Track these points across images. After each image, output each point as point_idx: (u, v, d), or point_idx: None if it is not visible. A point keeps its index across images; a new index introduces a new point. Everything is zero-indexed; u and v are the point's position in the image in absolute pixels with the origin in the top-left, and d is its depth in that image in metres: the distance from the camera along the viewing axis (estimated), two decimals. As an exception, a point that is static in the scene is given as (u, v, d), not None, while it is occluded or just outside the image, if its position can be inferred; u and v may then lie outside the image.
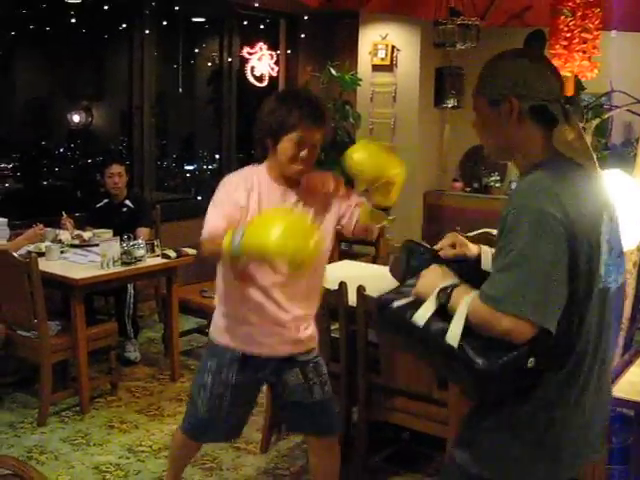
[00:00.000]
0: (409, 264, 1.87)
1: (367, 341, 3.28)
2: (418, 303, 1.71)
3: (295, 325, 2.61)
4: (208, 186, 7.70)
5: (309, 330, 2.68)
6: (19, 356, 4.37)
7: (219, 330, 2.65)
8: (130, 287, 4.95)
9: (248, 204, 2.48)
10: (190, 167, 8.78)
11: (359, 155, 2.42)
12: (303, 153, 2.46)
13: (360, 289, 3.23)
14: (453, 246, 1.95)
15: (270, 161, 2.56)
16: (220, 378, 2.63)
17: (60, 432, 4.01)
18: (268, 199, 2.51)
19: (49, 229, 4.90)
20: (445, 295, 1.68)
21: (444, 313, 1.67)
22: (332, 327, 3.50)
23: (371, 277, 3.55)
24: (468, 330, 1.62)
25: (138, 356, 5.06)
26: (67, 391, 4.37)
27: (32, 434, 3.97)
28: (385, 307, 1.78)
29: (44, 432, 4.00)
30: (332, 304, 3.33)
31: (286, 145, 2.46)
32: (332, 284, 3.30)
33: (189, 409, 2.78)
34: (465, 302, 1.63)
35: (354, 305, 3.27)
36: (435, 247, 1.95)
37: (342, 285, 3.32)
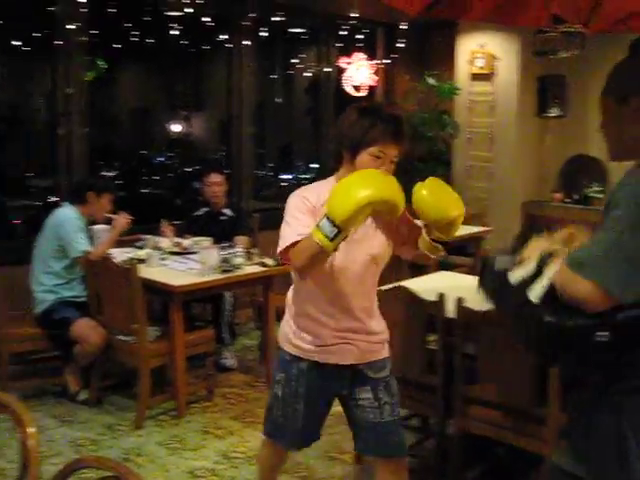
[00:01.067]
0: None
1: (464, 353, 3.24)
2: (520, 265, 1.79)
3: (363, 333, 2.59)
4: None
5: (378, 337, 2.65)
6: (118, 360, 4.48)
7: (287, 340, 2.66)
8: (228, 294, 5.02)
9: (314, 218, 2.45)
10: (286, 176, 8.87)
11: (424, 195, 2.38)
12: (381, 168, 2.43)
13: (459, 301, 3.19)
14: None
15: (343, 173, 2.53)
16: (290, 389, 2.64)
17: (156, 435, 4.07)
18: None
19: (149, 236, 5.03)
20: (546, 258, 1.75)
21: (540, 274, 1.75)
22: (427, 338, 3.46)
23: (468, 288, 3.47)
24: (551, 292, 1.69)
25: (234, 363, 5.11)
26: (164, 395, 4.43)
27: (129, 436, 4.05)
28: (488, 265, 1.89)
29: (141, 435, 4.08)
30: (429, 315, 3.29)
31: (365, 159, 2.44)
32: (429, 294, 3.28)
33: (266, 414, 2.79)
34: (556, 264, 1.71)
35: (451, 316, 3.23)
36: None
37: (441, 296, 3.28)
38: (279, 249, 2.45)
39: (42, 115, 7.44)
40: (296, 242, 2.37)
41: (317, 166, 7.59)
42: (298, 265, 2.38)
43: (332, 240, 2.21)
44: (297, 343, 2.62)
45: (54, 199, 6.62)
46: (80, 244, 4.44)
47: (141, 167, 9.09)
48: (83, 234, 4.50)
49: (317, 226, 2.23)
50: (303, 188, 2.59)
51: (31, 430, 1.90)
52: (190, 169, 8.97)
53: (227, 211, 5.36)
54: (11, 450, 3.81)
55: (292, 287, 2.66)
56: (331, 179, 2.59)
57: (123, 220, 4.65)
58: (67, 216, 4.50)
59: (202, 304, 5.55)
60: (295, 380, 2.62)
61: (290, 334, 2.64)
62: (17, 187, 7.33)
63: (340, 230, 2.19)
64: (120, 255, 4.62)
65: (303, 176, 8.41)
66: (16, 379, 4.62)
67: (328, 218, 2.19)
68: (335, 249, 2.26)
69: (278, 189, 8.37)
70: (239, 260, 4.41)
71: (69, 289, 4.56)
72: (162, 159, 9.46)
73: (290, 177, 8.80)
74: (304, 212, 2.45)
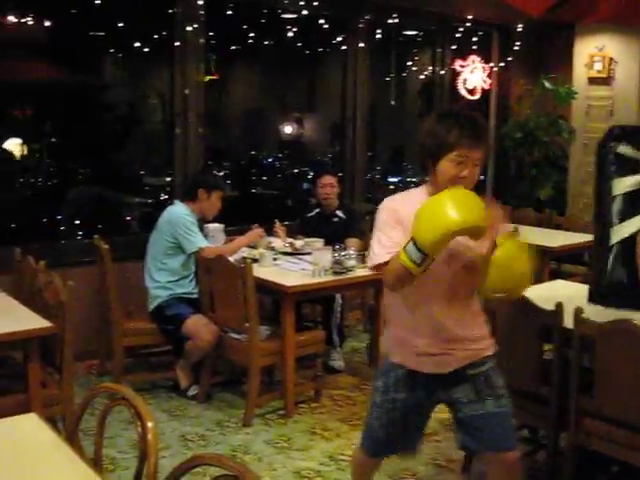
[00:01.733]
0: None
1: (581, 366, 3.15)
2: None
3: (462, 341, 2.56)
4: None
5: (477, 344, 2.61)
6: (228, 358, 4.54)
7: (388, 346, 2.67)
8: (338, 296, 5.02)
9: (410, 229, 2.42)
10: (396, 179, 8.84)
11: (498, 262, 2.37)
12: (464, 173, 2.40)
13: (577, 311, 3.11)
14: None
15: (430, 182, 2.52)
16: (389, 396, 2.64)
17: (264, 434, 4.10)
18: None
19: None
20: None
21: None
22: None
23: (582, 298, 3.43)
24: None
25: (342, 365, 5.11)
26: (272, 394, 4.46)
27: (237, 434, 4.09)
28: None
29: (248, 433, 4.11)
30: (545, 324, 3.23)
31: (446, 165, 2.41)
32: (545, 303, 3.20)
33: (365, 426, 2.79)
34: None
35: (569, 327, 3.15)
36: None
37: (559, 306, 3.20)
38: (369, 265, 2.50)
39: (157, 115, 7.66)
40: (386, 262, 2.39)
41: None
42: (388, 284, 2.44)
43: (419, 265, 2.23)
44: (396, 351, 2.63)
45: (166, 197, 6.86)
46: (197, 240, 4.53)
47: (251, 167, 9.24)
48: (196, 229, 4.58)
49: (404, 249, 2.26)
50: (391, 198, 2.58)
51: (150, 424, 1.94)
52: (300, 170, 9.05)
53: (339, 213, 5.37)
54: (122, 439, 3.92)
55: (387, 294, 2.66)
56: (421, 189, 2.56)
57: (258, 232, 4.80)
58: (180, 213, 4.58)
59: (311, 305, 5.58)
60: (393, 388, 2.63)
61: (389, 341, 2.66)
62: (132, 185, 7.56)
63: (427, 255, 2.22)
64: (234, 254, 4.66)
65: (413, 179, 8.37)
66: (129, 372, 4.74)
67: (415, 243, 2.21)
68: (424, 270, 2.27)
69: (388, 191, 8.36)
70: (352, 262, 4.41)
71: (182, 286, 4.64)
72: (272, 160, 9.59)
73: (397, 180, 8.77)
74: (393, 226, 2.45)
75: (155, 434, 1.93)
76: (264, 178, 9.23)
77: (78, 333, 3.61)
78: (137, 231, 6.47)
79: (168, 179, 7.13)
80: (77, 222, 6.44)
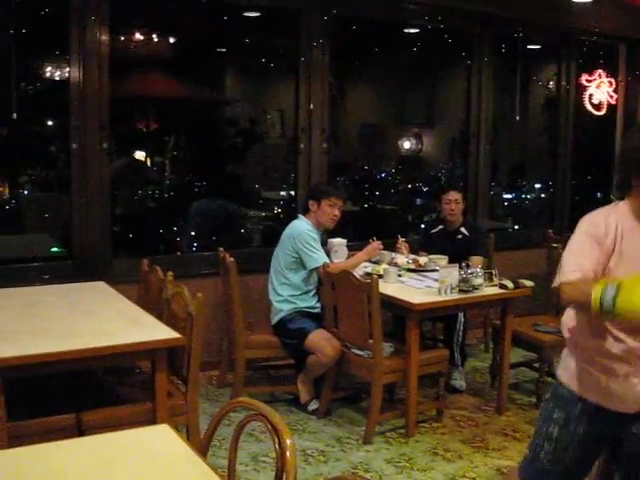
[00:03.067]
0: None
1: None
2: None
3: None
4: (539, 216, 7.57)
5: None
6: (351, 373, 4.52)
7: (570, 376, 2.45)
8: (461, 315, 4.93)
9: (609, 249, 2.29)
10: (510, 195, 8.64)
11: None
12: None
13: None
14: None
15: (634, 200, 2.33)
16: (568, 430, 2.42)
17: (385, 452, 4.03)
18: (631, 245, 2.28)
19: (385, 252, 5.04)
20: None
21: None
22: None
23: None
24: None
25: (464, 385, 5.01)
26: (393, 412, 4.42)
27: (358, 451, 4.04)
28: None
29: (369, 450, 4.06)
30: None
31: None
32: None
33: (529, 456, 2.57)
34: None
35: None
36: None
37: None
38: (555, 283, 2.29)
39: (276, 130, 7.74)
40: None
41: (552, 186, 7.32)
42: (564, 302, 2.26)
43: (603, 312, 2.07)
44: (583, 381, 2.42)
45: (280, 211, 6.91)
46: (318, 256, 4.54)
47: (365, 182, 9.22)
48: (318, 245, 4.59)
49: (602, 288, 2.07)
50: (594, 213, 2.40)
51: (289, 442, 1.90)
52: (421, 185, 8.98)
53: (463, 230, 5.29)
54: (242, 452, 3.89)
55: (569, 312, 2.47)
56: (622, 205, 2.37)
57: (375, 246, 4.74)
58: (301, 227, 4.61)
59: (431, 322, 5.49)
60: (576, 421, 2.43)
61: (574, 369, 2.44)
62: (250, 199, 7.67)
63: (616, 314, 2.05)
64: (358, 269, 4.64)
65: (538, 196, 8.18)
66: (250, 384, 4.78)
67: (614, 297, 2.03)
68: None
69: (510, 208, 8.19)
70: (479, 281, 4.30)
71: (305, 300, 4.65)
72: (385, 175, 9.54)
73: (523, 196, 8.57)
74: (592, 245, 2.29)
75: (294, 451, 1.90)
76: (381, 193, 9.17)
77: (201, 344, 3.61)
78: (259, 244, 6.55)
79: (283, 193, 7.12)
80: (199, 234, 6.55)
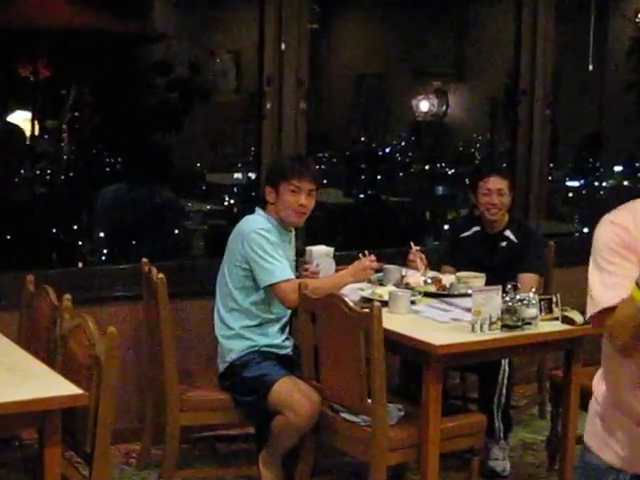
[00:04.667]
0: None
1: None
2: None
3: None
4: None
5: None
6: (338, 449, 4.51)
7: (599, 440, 2.65)
8: (505, 363, 4.94)
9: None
10: (577, 182, 8.66)
11: None
12: None
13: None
14: None
15: None
16: None
17: None
18: None
19: (392, 266, 5.08)
20: None
21: None
22: None
23: None
24: None
25: (507, 467, 5.03)
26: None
27: None
28: None
29: None
30: None
31: None
32: None
33: None
34: None
35: None
36: None
37: None
38: (588, 314, 2.51)
39: (230, 82, 7.72)
40: (612, 307, 2.38)
41: (620, 169, 7.39)
42: (619, 343, 2.40)
43: None
44: (615, 448, 2.59)
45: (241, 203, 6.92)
46: (274, 267, 4.56)
47: (363, 161, 9.24)
48: (277, 251, 4.61)
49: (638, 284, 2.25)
50: (615, 212, 2.55)
51: None
52: (437, 167, 9.05)
53: (509, 234, 5.33)
54: None
55: (603, 364, 2.65)
56: None
57: (367, 264, 4.75)
58: (252, 225, 4.66)
59: (460, 374, 5.49)
60: None
61: (605, 434, 2.62)
62: (191, 185, 7.66)
63: None
64: (351, 292, 4.67)
65: (603, 183, 8.22)
66: (188, 464, 4.80)
67: None
68: None
69: (567, 202, 8.23)
70: (532, 311, 4.29)
71: (266, 334, 4.68)
72: (392, 150, 9.57)
73: (580, 183, 8.59)
74: (622, 255, 2.45)
75: None
76: (379, 177, 9.19)
77: (113, 403, 3.59)
78: (202, 253, 6.57)
79: (238, 176, 7.13)
80: (112, 238, 6.52)
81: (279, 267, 4.56)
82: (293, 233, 4.89)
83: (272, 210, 4.71)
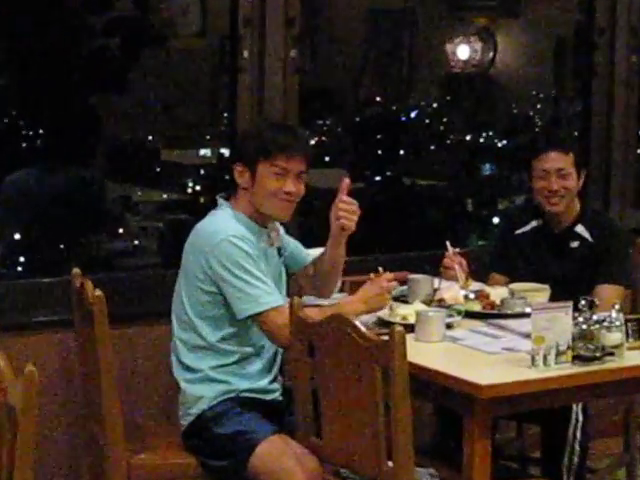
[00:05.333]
0: None
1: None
2: None
3: None
4: None
5: None
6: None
7: None
8: (578, 409, 4.96)
9: None
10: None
11: None
12: None
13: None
14: None
15: None
16: None
17: None
18: None
19: (419, 277, 5.14)
20: None
21: None
22: None
23: None
24: None
25: None
26: None
27: None
28: None
29: None
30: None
31: None
32: None
33: None
34: None
35: None
36: None
37: None
38: None
39: (189, 24, 7.74)
40: None
41: None
42: None
43: None
44: None
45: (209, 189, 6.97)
46: (259, 292, 4.57)
47: (382, 130, 9.23)
48: (259, 265, 4.63)
49: None
50: None
51: None
52: (488, 138, 9.05)
53: (581, 231, 5.36)
54: None
55: None
56: None
57: (384, 285, 4.74)
58: (218, 232, 4.65)
59: (517, 424, 5.53)
60: None
61: None
62: (144, 165, 7.66)
63: None
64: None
65: None
66: None
67: None
68: None
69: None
70: (615, 337, 4.30)
71: (246, 376, 4.71)
72: (419, 115, 9.57)
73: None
74: None
75: None
76: (402, 152, 9.21)
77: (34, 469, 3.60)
78: (154, 262, 6.60)
79: (205, 153, 7.19)
80: (27, 241, 6.53)
81: (264, 290, 4.59)
82: (279, 231, 4.93)
83: (244, 199, 4.75)
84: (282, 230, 5.02)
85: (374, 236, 5.63)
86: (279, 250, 4.94)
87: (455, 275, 5.21)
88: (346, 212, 4.81)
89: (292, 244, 5.11)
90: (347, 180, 4.93)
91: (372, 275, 4.79)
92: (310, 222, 5.40)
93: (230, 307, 4.59)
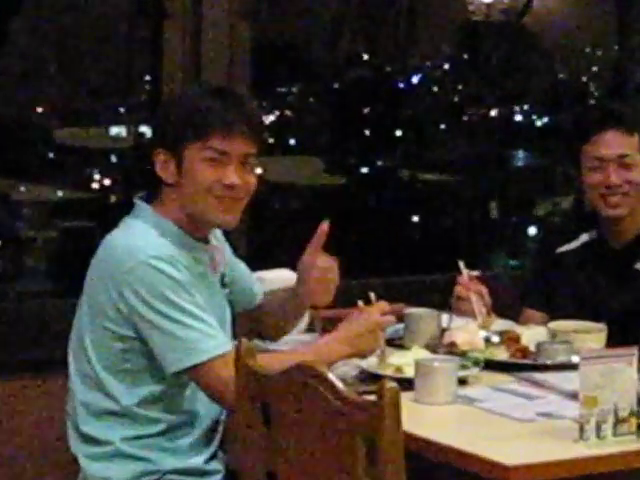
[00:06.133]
0: None
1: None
2: None
3: None
4: None
5: None
6: None
7: None
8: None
9: None
10: None
11: None
12: None
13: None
14: None
15: None
16: None
17: None
18: None
19: (420, 311, 5.19)
20: None
21: None
22: None
23: None
24: None
25: None
26: None
27: None
28: None
29: None
30: None
31: None
32: None
33: None
34: None
35: None
36: None
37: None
38: None
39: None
40: None
41: None
42: None
43: None
44: None
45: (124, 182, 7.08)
46: (194, 335, 4.58)
47: (371, 99, 9.29)
48: (195, 299, 4.64)
49: None
50: None
51: None
52: (517, 112, 9.13)
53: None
54: None
55: None
56: None
57: (378, 321, 4.78)
58: (134, 253, 4.63)
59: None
60: None
61: None
62: (27, 149, 7.70)
63: None
64: (343, 362, 4.74)
65: None
66: None
67: None
68: None
69: None
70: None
71: (173, 450, 4.75)
72: (422, 79, 9.61)
73: None
74: None
75: None
76: (399, 134, 9.26)
77: None
78: (44, 289, 6.63)
79: (118, 133, 7.27)
80: None
81: (203, 332, 4.59)
82: (223, 251, 4.97)
83: (171, 201, 4.78)
84: (228, 250, 5.04)
85: (359, 253, 5.65)
86: (222, 278, 4.95)
87: (472, 309, 5.24)
88: (318, 283, 4.84)
89: (240, 270, 5.11)
90: (326, 226, 4.95)
91: (360, 304, 4.82)
92: (267, 233, 5.38)
93: (154, 358, 4.58)
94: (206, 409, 4.73)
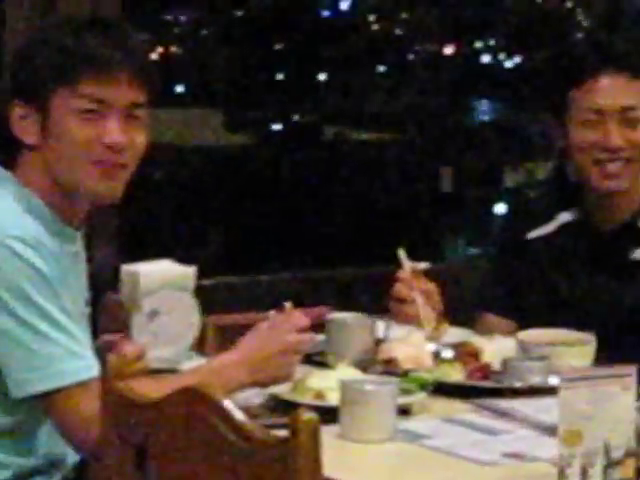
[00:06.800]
0: None
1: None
2: None
3: None
4: None
5: None
6: None
7: None
8: None
9: None
10: None
11: None
12: None
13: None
14: None
15: None
16: None
17: None
18: None
19: (348, 317, 5.21)
20: None
21: None
22: None
23: None
24: None
25: None
26: None
27: None
28: None
29: None
30: None
31: None
32: None
33: None
34: None
35: None
36: None
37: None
38: None
39: None
40: None
41: None
42: None
43: None
44: None
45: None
46: (54, 350, 4.58)
47: (285, 25, 9.38)
48: (60, 302, 4.63)
49: None
50: None
51: None
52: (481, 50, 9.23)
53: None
54: None
55: None
56: None
57: (289, 336, 4.80)
58: None
59: None
60: None
61: None
62: None
63: None
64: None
65: None
66: None
67: None
68: None
69: None
70: None
71: (25, 451, 4.77)
72: (346, 7, 9.71)
73: None
74: None
75: None
76: (321, 76, 9.41)
77: None
78: None
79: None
80: None
81: (66, 347, 4.59)
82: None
83: (34, 167, 4.77)
84: None
85: (266, 239, 5.72)
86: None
87: (416, 314, 5.26)
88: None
89: None
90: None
91: (272, 313, 4.85)
92: (142, 213, 5.40)
93: (2, 377, 4.60)
94: (72, 452, 4.74)
